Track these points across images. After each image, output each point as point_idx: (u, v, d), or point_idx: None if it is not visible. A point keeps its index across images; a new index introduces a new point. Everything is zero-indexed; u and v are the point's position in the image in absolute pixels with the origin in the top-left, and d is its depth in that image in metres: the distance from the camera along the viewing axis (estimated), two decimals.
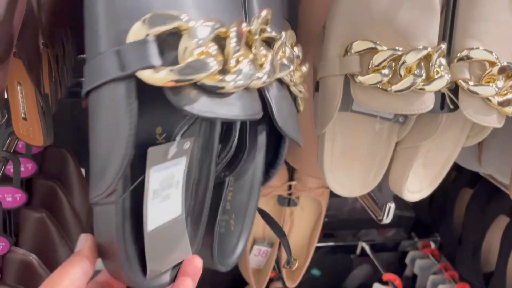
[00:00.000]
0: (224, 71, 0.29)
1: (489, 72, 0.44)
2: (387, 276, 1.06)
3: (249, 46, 0.32)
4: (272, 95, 0.36)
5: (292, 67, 0.38)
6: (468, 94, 0.45)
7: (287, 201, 0.86)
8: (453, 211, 1.03)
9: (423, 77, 0.43)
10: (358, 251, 1.17)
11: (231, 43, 0.29)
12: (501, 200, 0.89)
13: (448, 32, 0.45)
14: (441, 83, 0.43)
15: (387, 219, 0.56)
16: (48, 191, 0.68)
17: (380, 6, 0.44)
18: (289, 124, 0.38)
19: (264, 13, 0.33)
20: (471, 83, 0.45)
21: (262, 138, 0.40)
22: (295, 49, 0.41)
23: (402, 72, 0.43)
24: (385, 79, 0.44)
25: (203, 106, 0.28)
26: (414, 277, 1.16)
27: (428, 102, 0.44)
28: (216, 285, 1.02)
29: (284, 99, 0.38)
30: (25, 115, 0.57)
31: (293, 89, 0.41)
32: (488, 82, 0.45)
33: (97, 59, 0.29)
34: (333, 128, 0.50)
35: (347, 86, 0.46)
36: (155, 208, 0.32)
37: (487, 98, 0.45)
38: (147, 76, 0.27)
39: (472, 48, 0.44)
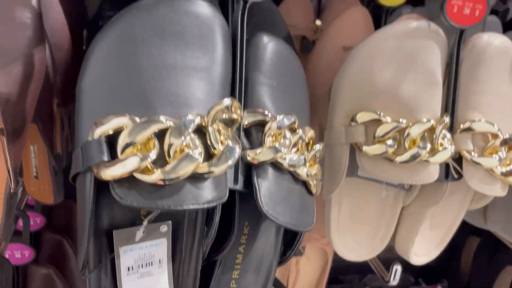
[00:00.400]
0: (161, 163, 0.31)
1: (491, 144, 0.45)
2: None
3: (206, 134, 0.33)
4: (261, 179, 0.36)
5: (284, 151, 0.37)
6: (472, 164, 0.46)
7: None
8: (461, 258, 1.03)
9: (428, 149, 0.44)
10: None
11: (168, 138, 0.31)
12: (508, 250, 0.89)
13: (450, 104, 0.46)
14: (445, 155, 0.44)
15: (394, 281, 0.56)
16: (55, 245, 0.68)
17: (383, 79, 0.45)
18: (284, 208, 0.37)
19: (226, 102, 0.34)
20: (474, 154, 0.45)
21: (265, 223, 0.41)
22: (299, 131, 0.40)
23: (407, 144, 0.44)
24: (390, 150, 0.45)
25: (138, 198, 0.30)
26: None
27: (433, 172, 0.45)
28: None
29: (283, 182, 0.38)
30: (36, 174, 0.58)
31: (299, 172, 0.39)
32: (491, 153, 0.46)
33: (75, 151, 0.33)
34: (340, 193, 0.51)
35: (353, 152, 0.47)
36: (133, 284, 0.35)
37: (491, 169, 0.45)
38: (96, 172, 0.31)
39: (474, 120, 0.45)
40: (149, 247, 0.35)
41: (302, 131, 0.41)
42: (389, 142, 0.45)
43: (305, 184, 0.41)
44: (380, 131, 0.45)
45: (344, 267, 1.16)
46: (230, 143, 0.33)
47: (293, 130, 0.40)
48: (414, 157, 0.44)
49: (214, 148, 0.33)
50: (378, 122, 0.45)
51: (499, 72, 0.46)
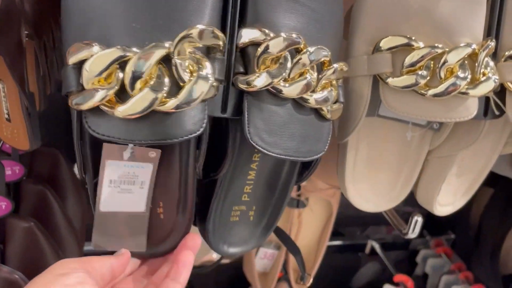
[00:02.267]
0: (123, 96, 0.30)
1: None
2: (398, 277, 1.01)
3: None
4: (254, 107, 0.34)
5: (283, 76, 0.33)
6: None
7: (295, 202, 0.81)
8: (471, 209, 0.98)
9: (468, 79, 0.37)
10: (367, 250, 1.11)
11: (129, 70, 0.29)
12: None
13: (495, 26, 0.39)
14: (488, 87, 0.37)
15: (412, 233, 0.50)
16: (37, 196, 0.62)
17: None
18: (280, 138, 0.35)
19: (196, 28, 0.30)
20: None
21: None
22: (309, 49, 0.34)
23: (443, 74, 0.37)
24: (422, 82, 0.38)
25: (109, 130, 0.30)
26: (424, 276, 1.11)
27: (471, 107, 0.38)
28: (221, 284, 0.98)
29: (281, 110, 0.34)
30: (8, 116, 0.52)
31: (307, 98, 0.35)
32: None
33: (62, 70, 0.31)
34: (357, 135, 0.44)
35: (374, 88, 0.40)
36: (111, 196, 0.37)
37: None
38: (69, 102, 0.31)
39: None
40: (134, 167, 0.37)
41: (313, 51, 0.34)
42: (422, 72, 0.38)
43: (315, 110, 0.36)
44: (411, 58, 0.38)
45: (344, 219, 1.13)
46: (199, 74, 0.30)
47: (298, 51, 0.34)
48: (451, 89, 0.37)
49: (183, 82, 0.30)
50: (408, 48, 0.38)
51: None
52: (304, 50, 0.34)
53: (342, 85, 0.38)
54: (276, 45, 0.33)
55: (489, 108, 0.40)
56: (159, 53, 0.29)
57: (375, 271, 1.17)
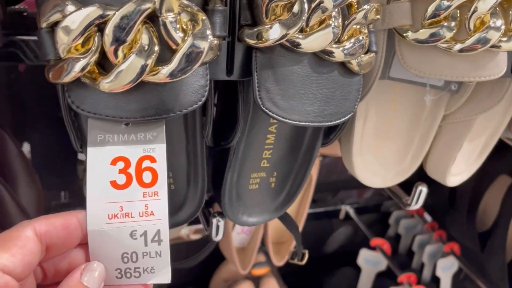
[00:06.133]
0: (107, 65, 0.25)
1: None
2: (375, 241, 1.00)
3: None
4: (265, 67, 0.28)
5: (298, 26, 0.27)
6: None
7: None
8: (482, 197, 0.96)
9: (502, 30, 0.31)
10: (341, 215, 1.09)
11: (110, 30, 0.24)
12: (502, 159, 0.83)
13: None
14: None
15: (416, 205, 0.46)
16: None
17: None
18: (298, 102, 0.30)
19: None
20: None
21: None
22: None
23: (472, 25, 0.32)
24: (448, 35, 0.32)
25: (91, 105, 0.26)
26: (397, 237, 1.11)
27: (501, 63, 0.33)
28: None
29: (298, 67, 0.29)
30: None
31: (331, 50, 0.29)
32: None
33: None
34: (366, 102, 0.38)
35: (388, 44, 0.34)
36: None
37: None
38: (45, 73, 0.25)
39: None
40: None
41: None
42: (447, 23, 0.32)
43: (341, 63, 0.30)
44: (434, 7, 0.32)
45: (316, 185, 1.10)
46: (194, 33, 0.24)
47: None
48: (483, 42, 0.31)
49: (176, 44, 0.24)
50: None
51: None
52: None
53: (375, 30, 0.32)
54: None
55: None
56: (142, 10, 0.23)
57: (348, 234, 1.16)
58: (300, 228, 0.84)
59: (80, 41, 0.24)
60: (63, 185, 0.74)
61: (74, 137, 0.29)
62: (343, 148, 0.40)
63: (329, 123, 0.31)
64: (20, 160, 0.59)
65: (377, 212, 1.16)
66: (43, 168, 0.69)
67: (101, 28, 0.24)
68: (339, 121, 0.31)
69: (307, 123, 0.30)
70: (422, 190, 0.45)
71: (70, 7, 0.23)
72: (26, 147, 0.70)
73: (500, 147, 0.59)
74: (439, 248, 1.01)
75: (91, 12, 0.23)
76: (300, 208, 0.85)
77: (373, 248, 1.01)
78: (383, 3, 0.33)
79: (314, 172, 0.79)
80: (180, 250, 0.81)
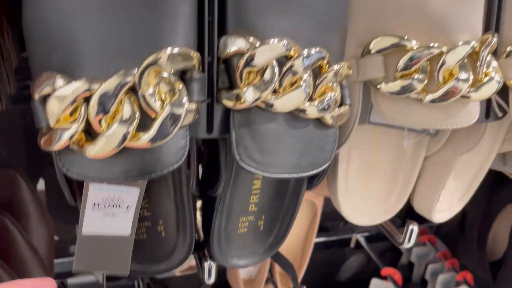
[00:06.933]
0: (93, 132, 0.27)
1: None
2: (386, 270, 0.99)
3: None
4: (242, 125, 0.30)
5: (271, 88, 0.29)
6: None
7: None
8: (490, 226, 0.96)
9: (470, 81, 0.33)
10: (352, 243, 1.09)
11: (95, 103, 0.26)
12: (508, 187, 0.83)
13: (494, 18, 0.35)
14: (491, 89, 0.34)
15: (409, 243, 0.47)
16: None
17: None
18: (275, 156, 0.31)
19: (161, 55, 0.26)
20: None
21: None
22: (304, 53, 0.30)
23: (441, 77, 0.33)
24: (419, 87, 0.34)
25: (80, 168, 0.28)
26: (410, 265, 1.10)
27: (473, 111, 0.35)
28: None
29: (273, 125, 0.31)
30: None
31: (304, 108, 0.30)
32: None
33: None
34: (348, 145, 0.40)
35: (365, 92, 0.36)
36: (95, 219, 0.35)
37: None
38: (38, 140, 0.28)
39: None
40: (120, 192, 0.34)
41: (306, 55, 0.29)
42: (418, 75, 0.34)
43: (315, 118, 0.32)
44: (404, 61, 0.33)
45: (326, 213, 1.10)
46: (172, 102, 0.27)
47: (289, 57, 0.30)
48: (452, 93, 0.33)
49: (155, 112, 0.27)
50: (401, 49, 0.34)
51: None
52: (296, 56, 0.29)
53: (347, 85, 0.34)
54: (260, 57, 0.28)
55: (491, 109, 0.36)
56: (123, 85, 0.26)
57: (360, 263, 1.16)
58: (308, 257, 0.84)
59: (68, 112, 0.26)
60: (77, 219, 0.77)
61: (67, 193, 0.32)
62: (330, 190, 0.42)
63: (307, 174, 0.33)
64: (32, 200, 0.62)
65: (389, 240, 1.16)
66: (57, 203, 0.72)
67: (87, 99, 0.26)
68: (316, 171, 0.33)
69: (284, 175, 0.32)
70: (414, 229, 0.46)
71: (60, 81, 0.26)
72: (41, 183, 0.73)
73: (506, 177, 0.60)
74: (452, 277, 0.99)
75: (78, 86, 0.26)
76: (307, 240, 0.86)
77: (384, 278, 1.01)
78: (358, 56, 0.35)
79: (318, 203, 0.80)
80: (192, 279, 0.82)
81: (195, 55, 0.27)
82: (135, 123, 0.26)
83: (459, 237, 0.96)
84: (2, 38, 0.48)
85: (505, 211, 0.84)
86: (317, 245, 1.08)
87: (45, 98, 0.27)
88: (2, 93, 0.48)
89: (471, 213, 0.92)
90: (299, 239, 0.86)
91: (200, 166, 0.41)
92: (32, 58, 0.28)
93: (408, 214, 1.10)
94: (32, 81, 0.28)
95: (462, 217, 0.96)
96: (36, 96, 0.27)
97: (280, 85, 0.29)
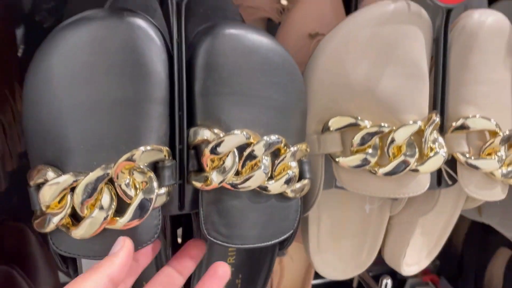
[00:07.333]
0: (78, 216, 0.31)
1: (490, 143, 0.38)
2: None
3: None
4: (209, 203, 0.34)
5: (233, 170, 0.33)
6: (467, 168, 0.39)
7: None
8: (453, 236, 0.98)
9: (416, 156, 0.37)
10: (355, 284, 1.11)
11: (79, 193, 0.30)
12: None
13: (439, 99, 0.39)
14: (437, 162, 0.37)
15: None
16: (2, 278, 0.60)
17: (358, 75, 0.38)
18: (240, 229, 0.35)
19: (135, 152, 0.31)
20: (470, 156, 0.39)
21: None
22: (264, 140, 0.34)
23: (391, 152, 0.37)
24: (372, 161, 0.38)
25: (67, 247, 0.32)
26: None
27: (423, 182, 0.38)
28: None
29: (237, 201, 0.34)
30: None
31: (266, 186, 0.35)
32: (490, 153, 0.39)
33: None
34: (317, 208, 0.44)
35: (329, 162, 0.40)
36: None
37: (490, 172, 0.39)
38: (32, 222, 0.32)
39: (469, 116, 0.39)
40: None
41: (263, 142, 0.34)
42: (370, 150, 0.38)
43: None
44: (358, 138, 0.38)
45: None
46: (144, 190, 0.31)
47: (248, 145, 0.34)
48: (400, 168, 0.37)
49: (130, 198, 0.31)
50: (355, 127, 0.38)
51: (493, 56, 0.39)
52: (256, 142, 0.34)
53: (308, 160, 0.37)
54: (223, 146, 0.33)
55: (442, 177, 0.40)
56: (103, 177, 0.30)
57: None
58: None
59: (57, 200, 0.31)
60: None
61: (59, 261, 0.36)
62: (304, 247, 0.46)
63: (271, 243, 0.36)
64: (40, 253, 0.66)
65: (393, 279, 1.16)
66: None
67: (73, 189, 0.31)
68: (280, 239, 0.36)
69: (249, 245, 0.35)
70: (388, 283, 0.49)
71: (50, 174, 0.31)
72: None
73: None
74: None
75: (66, 179, 0.30)
76: (305, 281, 0.87)
77: None
78: (319, 132, 0.39)
79: None
80: None
81: (165, 149, 0.32)
82: (113, 207, 0.31)
83: (457, 278, 0.97)
84: (14, 102, 0.53)
85: (498, 254, 0.85)
86: (320, 286, 1.09)
87: (39, 186, 0.31)
88: (13, 151, 0.53)
89: (467, 253, 0.93)
90: (297, 282, 0.88)
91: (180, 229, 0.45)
92: (29, 150, 0.33)
93: None
94: (29, 171, 0.33)
95: (459, 259, 0.98)
96: (31, 184, 0.32)
97: (242, 167, 0.34)
